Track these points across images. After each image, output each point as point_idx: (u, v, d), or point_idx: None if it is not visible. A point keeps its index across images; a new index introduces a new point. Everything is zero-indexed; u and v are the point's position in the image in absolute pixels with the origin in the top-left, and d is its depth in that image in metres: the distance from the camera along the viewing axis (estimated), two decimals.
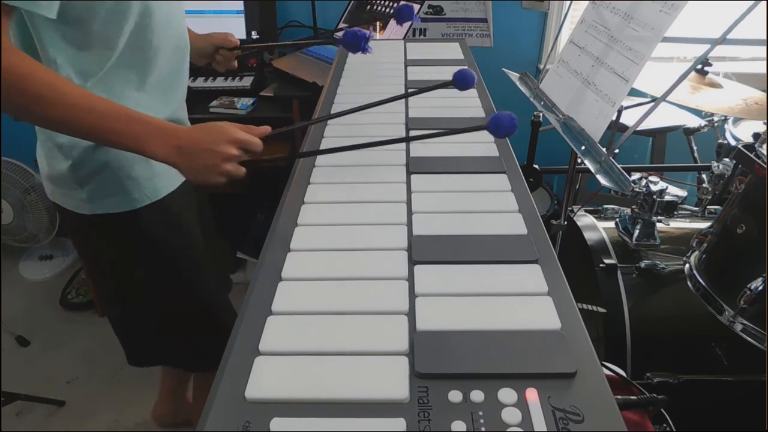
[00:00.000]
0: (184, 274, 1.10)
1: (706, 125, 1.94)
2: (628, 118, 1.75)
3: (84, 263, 1.14)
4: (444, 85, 0.94)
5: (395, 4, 2.04)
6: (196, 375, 1.38)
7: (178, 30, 1.01)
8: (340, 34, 1.07)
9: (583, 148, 0.98)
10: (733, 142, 1.65)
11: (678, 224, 1.50)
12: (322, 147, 1.00)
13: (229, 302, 1.24)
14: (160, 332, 1.17)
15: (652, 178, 1.42)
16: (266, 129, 0.87)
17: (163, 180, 1.01)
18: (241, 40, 2.10)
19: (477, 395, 0.49)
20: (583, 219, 1.53)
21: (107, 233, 1.04)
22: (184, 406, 1.55)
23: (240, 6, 2.08)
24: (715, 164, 1.52)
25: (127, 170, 0.97)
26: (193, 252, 1.11)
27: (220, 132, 0.82)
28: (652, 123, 2.01)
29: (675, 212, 1.41)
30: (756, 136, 1.57)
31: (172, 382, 1.52)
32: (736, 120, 1.82)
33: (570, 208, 1.49)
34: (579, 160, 1.04)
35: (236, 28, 2.11)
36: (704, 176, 1.68)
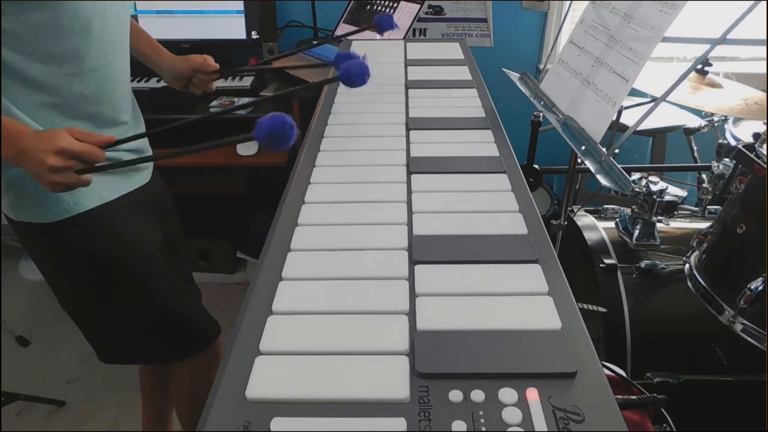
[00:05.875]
0: (121, 284, 1.07)
1: (706, 125, 1.94)
2: (628, 118, 1.75)
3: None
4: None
5: (395, 4, 2.04)
6: (172, 374, 1.36)
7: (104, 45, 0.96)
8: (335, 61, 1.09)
9: (583, 148, 0.98)
10: (733, 142, 1.65)
11: (678, 224, 1.50)
12: (322, 148, 0.99)
13: (192, 309, 1.21)
14: (104, 332, 1.15)
15: (652, 178, 1.43)
16: (110, 138, 0.86)
17: (87, 194, 0.97)
18: (241, 40, 2.12)
19: (477, 395, 0.49)
20: (583, 219, 1.53)
21: (34, 241, 1.03)
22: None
23: (240, 6, 2.08)
24: (715, 164, 1.52)
25: None
26: (135, 261, 1.07)
27: (48, 140, 0.79)
28: (652, 123, 2.01)
29: (675, 212, 1.42)
30: (756, 136, 1.57)
31: (151, 415, 1.50)
32: (736, 120, 1.82)
33: (570, 208, 1.49)
34: (579, 160, 1.03)
35: (236, 28, 2.11)
36: (704, 176, 1.68)
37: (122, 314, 1.11)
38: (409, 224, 0.75)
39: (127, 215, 1.07)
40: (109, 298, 1.09)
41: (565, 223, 1.42)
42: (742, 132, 1.74)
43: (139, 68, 1.10)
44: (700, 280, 1.11)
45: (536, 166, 1.74)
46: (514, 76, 1.38)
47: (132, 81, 1.11)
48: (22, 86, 0.89)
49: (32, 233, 1.00)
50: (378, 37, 2.01)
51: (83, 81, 0.93)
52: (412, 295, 0.63)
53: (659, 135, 2.18)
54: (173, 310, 1.15)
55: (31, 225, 0.98)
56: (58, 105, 0.92)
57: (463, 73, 1.37)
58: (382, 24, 1.28)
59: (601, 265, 1.35)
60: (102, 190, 1.01)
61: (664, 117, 2.07)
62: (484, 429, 0.46)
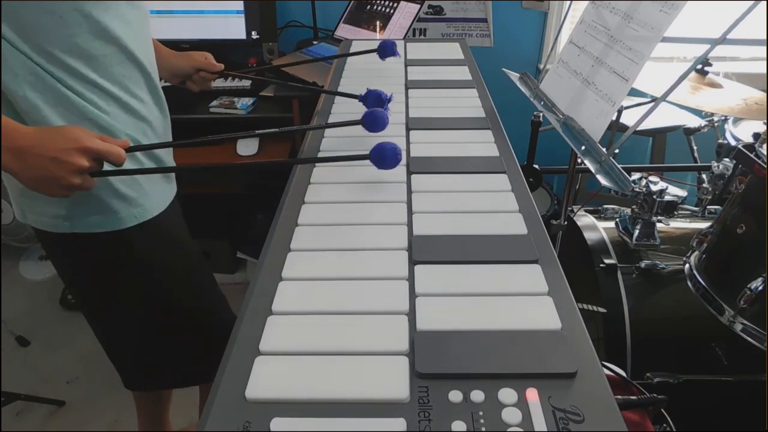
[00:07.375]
0: (180, 291, 1.04)
1: (706, 125, 1.94)
2: (628, 118, 1.75)
3: (66, 283, 1.07)
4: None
5: (395, 4, 2.04)
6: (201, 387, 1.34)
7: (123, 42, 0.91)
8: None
9: (583, 148, 0.98)
10: (733, 142, 1.65)
11: (678, 224, 1.50)
12: (322, 148, 0.99)
13: (224, 304, 1.20)
14: (159, 352, 1.10)
15: (652, 178, 1.43)
16: (126, 142, 0.80)
17: (153, 199, 0.95)
18: (241, 40, 2.12)
19: (477, 395, 0.49)
20: (583, 219, 1.53)
21: (91, 254, 0.95)
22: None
23: (240, 6, 2.08)
24: (715, 164, 1.52)
25: (114, 188, 0.89)
26: (188, 264, 1.06)
27: (71, 138, 0.72)
28: (652, 123, 2.01)
29: (675, 212, 1.42)
30: (756, 136, 1.57)
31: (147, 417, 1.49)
32: (736, 120, 1.82)
33: (570, 208, 1.49)
34: (579, 160, 1.03)
35: (236, 28, 2.11)
36: (704, 176, 1.68)
37: (181, 327, 1.06)
38: (409, 224, 0.75)
39: (177, 216, 1.04)
40: (172, 309, 1.05)
41: (565, 223, 1.41)
42: (742, 132, 1.74)
43: None
44: (700, 280, 1.11)
45: (536, 166, 1.74)
46: (514, 76, 1.37)
47: None
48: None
49: (90, 245, 0.91)
50: (378, 36, 2.02)
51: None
52: (412, 295, 0.63)
53: (659, 135, 2.18)
54: (222, 318, 1.14)
55: (89, 236, 0.89)
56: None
57: (463, 73, 1.37)
58: (385, 50, 1.31)
59: (601, 265, 1.35)
60: (163, 194, 0.97)
61: (664, 117, 2.07)
62: (484, 429, 0.46)
